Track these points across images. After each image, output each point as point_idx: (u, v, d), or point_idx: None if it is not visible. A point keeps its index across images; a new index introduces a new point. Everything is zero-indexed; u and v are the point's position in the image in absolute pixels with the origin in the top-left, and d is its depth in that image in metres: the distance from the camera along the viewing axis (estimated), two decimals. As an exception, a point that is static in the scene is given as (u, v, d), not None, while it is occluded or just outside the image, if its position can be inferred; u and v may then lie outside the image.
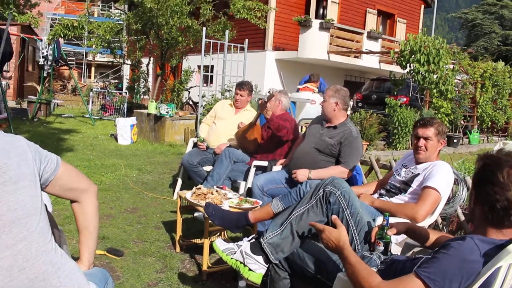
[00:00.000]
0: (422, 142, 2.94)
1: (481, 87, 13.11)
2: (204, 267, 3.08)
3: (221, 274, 3.18)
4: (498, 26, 27.37)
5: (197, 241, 3.60)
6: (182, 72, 12.45)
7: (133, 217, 4.29)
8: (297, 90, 8.57)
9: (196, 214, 4.18)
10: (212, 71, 9.57)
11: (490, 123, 13.58)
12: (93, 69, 30.63)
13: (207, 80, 13.41)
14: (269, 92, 4.16)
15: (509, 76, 13.86)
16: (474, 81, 12.88)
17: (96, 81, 26.05)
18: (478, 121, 13.25)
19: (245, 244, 2.25)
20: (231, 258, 2.23)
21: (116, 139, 8.97)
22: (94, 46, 13.36)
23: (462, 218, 3.91)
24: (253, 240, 2.27)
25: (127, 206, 4.65)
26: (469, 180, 3.83)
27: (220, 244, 2.29)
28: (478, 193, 1.70)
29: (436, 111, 10.56)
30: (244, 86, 4.97)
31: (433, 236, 2.13)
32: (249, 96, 5.00)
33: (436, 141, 2.94)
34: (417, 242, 2.19)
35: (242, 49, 8.91)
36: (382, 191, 3.08)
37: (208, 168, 4.74)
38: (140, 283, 2.97)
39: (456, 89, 11.89)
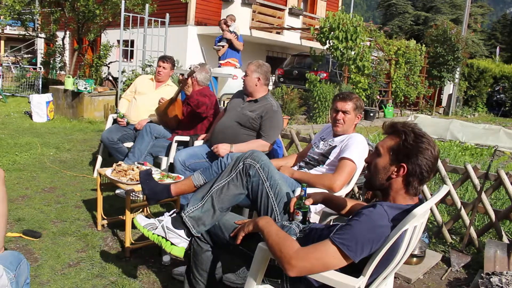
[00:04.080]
0: (340, 115, 3.08)
1: (395, 64, 13.83)
2: (127, 244, 3.06)
3: (145, 250, 3.17)
4: (411, 7, 28.82)
5: (120, 217, 3.56)
6: (101, 47, 11.90)
7: (51, 197, 4.12)
8: (219, 65, 8.54)
9: (117, 191, 4.13)
10: (132, 46, 9.24)
11: (403, 98, 14.42)
12: (2, 42, 28.42)
13: (127, 55, 12.96)
14: (190, 68, 4.14)
15: (420, 54, 14.73)
16: (389, 58, 13.55)
17: (7, 56, 24.24)
18: (393, 96, 14.01)
19: (167, 219, 2.25)
20: (153, 234, 2.23)
21: (30, 116, 8.47)
22: (1, 17, 12.34)
23: (375, 186, 4.16)
24: (174, 214, 2.28)
25: (44, 185, 4.45)
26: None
27: (140, 220, 2.27)
28: (402, 164, 1.80)
29: (354, 86, 11.02)
30: (167, 59, 4.91)
31: (349, 204, 2.26)
32: (171, 70, 4.95)
33: (353, 115, 3.09)
34: (333, 210, 2.32)
35: (163, 23, 8.70)
36: (302, 163, 3.20)
37: (129, 144, 4.65)
38: (60, 264, 2.88)
39: (373, 65, 12.45)
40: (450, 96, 17.63)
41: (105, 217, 3.52)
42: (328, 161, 3.04)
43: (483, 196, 3.68)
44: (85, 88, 8.20)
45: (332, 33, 10.16)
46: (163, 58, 4.90)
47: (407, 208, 1.76)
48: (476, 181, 3.73)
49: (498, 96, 19.41)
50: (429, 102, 16.70)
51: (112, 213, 3.66)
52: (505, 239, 3.62)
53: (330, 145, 3.11)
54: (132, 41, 9.09)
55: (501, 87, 19.51)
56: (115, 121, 4.87)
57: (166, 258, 3.04)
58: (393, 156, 1.81)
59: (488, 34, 37.86)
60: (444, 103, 18.06)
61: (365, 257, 1.71)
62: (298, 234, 2.05)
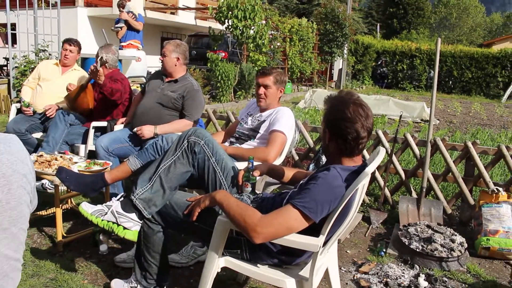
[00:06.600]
0: (262, 89, 3.16)
1: (290, 41, 14.30)
2: (59, 238, 2.90)
3: (78, 242, 3.04)
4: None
5: (43, 212, 3.35)
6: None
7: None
8: (120, 48, 8.20)
9: (33, 185, 3.84)
10: (13, 30, 8.45)
11: (299, 74, 14.99)
12: None
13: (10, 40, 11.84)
14: (100, 59, 3.97)
15: (312, 31, 15.38)
16: (284, 36, 13.97)
17: None
18: (289, 72, 14.50)
19: (116, 203, 2.19)
20: (102, 220, 2.16)
21: None
22: None
23: (297, 158, 4.36)
24: (123, 198, 2.22)
25: None
26: (300, 124, 4.27)
27: (87, 207, 2.18)
28: (332, 130, 1.94)
29: (253, 64, 11.22)
30: (73, 41, 4.62)
31: (290, 172, 2.38)
32: (78, 54, 4.67)
33: (275, 89, 3.19)
34: (276, 179, 2.42)
35: (52, 5, 8.08)
36: (232, 139, 3.25)
37: (37, 135, 4.34)
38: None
39: (269, 43, 12.76)
40: (340, 71, 18.70)
41: (26, 213, 3.29)
42: (258, 135, 3.13)
43: (394, 158, 4.04)
44: (-30, 78, 7.42)
45: (230, 12, 10.20)
46: (69, 41, 4.60)
47: (354, 169, 1.91)
48: (387, 145, 4.08)
49: (381, 70, 21.02)
50: (321, 77, 17.56)
51: (31, 209, 3.42)
52: (414, 194, 4.02)
53: (258, 120, 3.19)
54: (14, 24, 8.32)
55: (383, 61, 21.14)
56: (19, 111, 4.50)
57: (103, 248, 2.94)
58: (324, 123, 1.98)
59: (365, 13, 40.43)
60: (335, 78, 19.12)
61: (323, 217, 1.83)
62: (250, 205, 2.12)
